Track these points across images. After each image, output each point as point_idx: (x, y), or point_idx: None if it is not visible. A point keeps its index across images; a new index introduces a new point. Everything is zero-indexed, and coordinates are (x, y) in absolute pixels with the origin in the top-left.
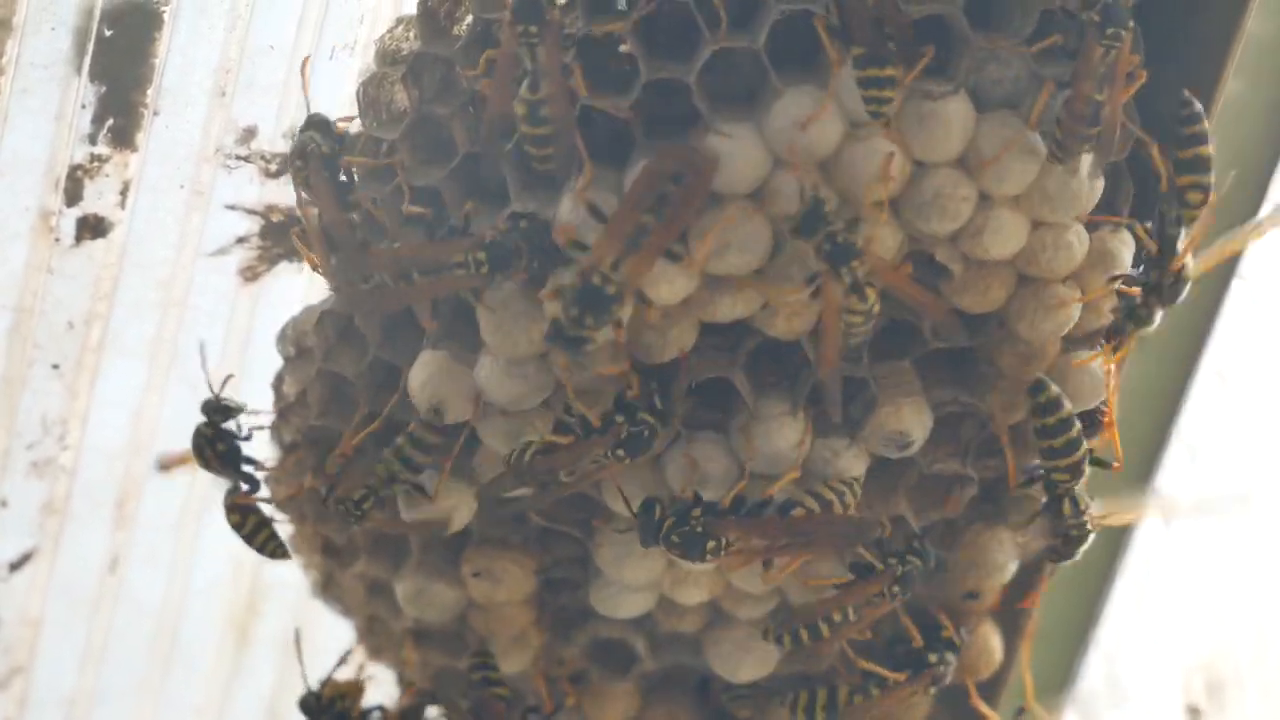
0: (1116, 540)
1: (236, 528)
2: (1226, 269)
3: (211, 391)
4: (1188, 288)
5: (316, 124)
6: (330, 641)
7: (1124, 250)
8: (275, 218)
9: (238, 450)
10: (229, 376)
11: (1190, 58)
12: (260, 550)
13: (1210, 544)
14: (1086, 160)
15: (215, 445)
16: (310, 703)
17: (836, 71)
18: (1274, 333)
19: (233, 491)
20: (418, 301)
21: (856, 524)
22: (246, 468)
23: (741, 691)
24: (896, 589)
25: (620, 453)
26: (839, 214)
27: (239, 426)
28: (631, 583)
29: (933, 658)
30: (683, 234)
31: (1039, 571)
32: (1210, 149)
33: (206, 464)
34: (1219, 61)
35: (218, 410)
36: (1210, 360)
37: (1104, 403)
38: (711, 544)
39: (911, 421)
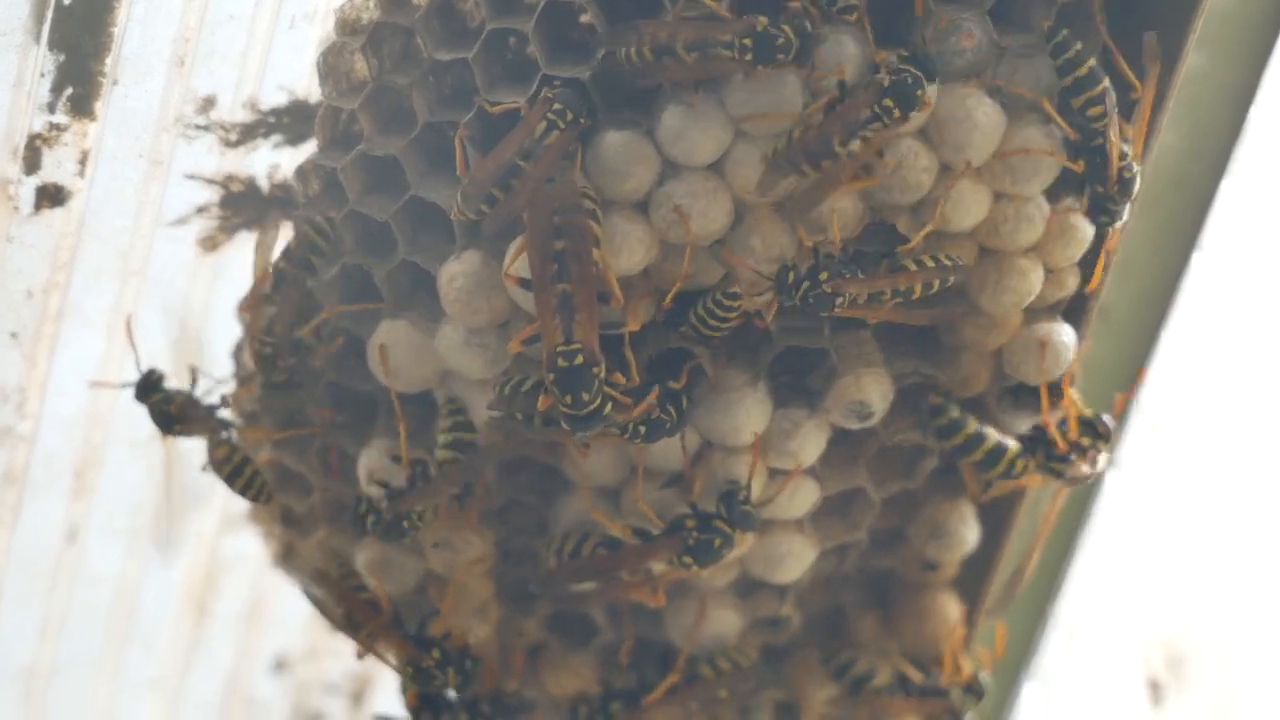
0: (1077, 515)
1: (222, 463)
2: (1186, 241)
3: (139, 369)
4: (1137, 171)
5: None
6: (288, 614)
7: (1085, 222)
8: (235, 188)
9: (191, 400)
10: (129, 317)
11: (1152, 29)
12: (244, 492)
13: (1170, 519)
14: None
15: (167, 409)
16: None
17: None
18: (1233, 303)
19: (215, 438)
20: (539, 184)
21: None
22: (214, 413)
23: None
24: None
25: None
26: (803, 261)
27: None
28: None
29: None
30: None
31: None
32: (1086, 68)
33: (175, 430)
34: (1180, 34)
35: (147, 388)
36: (1171, 334)
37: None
38: (839, 300)
39: (872, 392)
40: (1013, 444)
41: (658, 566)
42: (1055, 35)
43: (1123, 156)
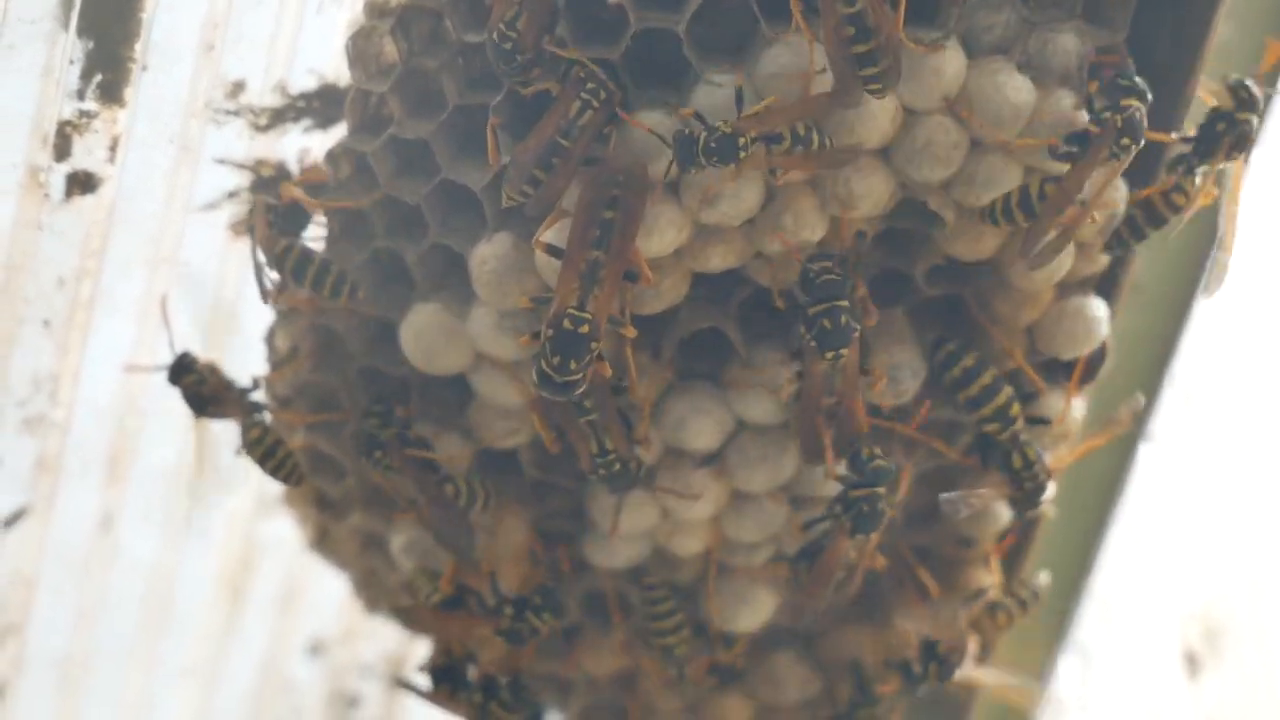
0: (1110, 489)
1: (255, 445)
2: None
3: (172, 352)
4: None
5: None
6: (325, 597)
7: (1116, 195)
8: (265, 172)
9: (224, 382)
10: (163, 298)
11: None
12: (276, 474)
13: (1205, 492)
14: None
15: (201, 390)
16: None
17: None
18: (1266, 274)
19: (248, 420)
20: (579, 162)
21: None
22: (246, 395)
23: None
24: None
25: None
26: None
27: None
28: (626, 532)
29: None
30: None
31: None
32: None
33: (208, 412)
34: (1210, 3)
35: (180, 370)
36: (1203, 305)
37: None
38: (742, 140)
39: (904, 367)
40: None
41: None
42: (940, 348)
43: (1028, 466)
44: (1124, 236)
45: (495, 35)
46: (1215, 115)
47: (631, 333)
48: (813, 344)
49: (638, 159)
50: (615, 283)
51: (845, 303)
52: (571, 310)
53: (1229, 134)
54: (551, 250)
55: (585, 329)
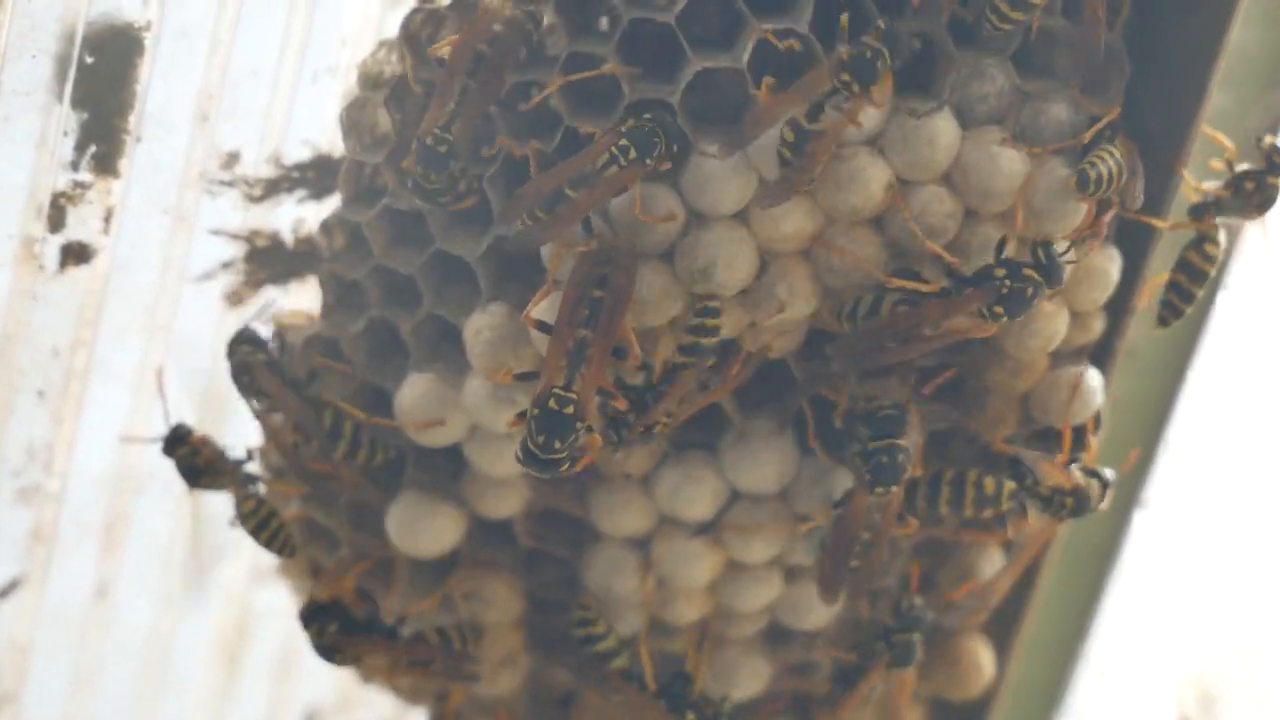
0: (1105, 555)
1: (248, 516)
2: (1212, 280)
3: (167, 423)
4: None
5: (246, 339)
6: (321, 666)
7: (1111, 266)
8: (260, 242)
9: (218, 454)
10: (159, 369)
11: (1175, 69)
12: (269, 546)
13: (1200, 557)
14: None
15: (195, 461)
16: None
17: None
18: (1260, 341)
19: (242, 491)
20: (584, 215)
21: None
22: (241, 467)
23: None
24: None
25: None
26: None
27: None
28: (621, 600)
29: None
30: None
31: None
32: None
33: (202, 483)
34: (1204, 73)
35: (174, 442)
36: (1198, 372)
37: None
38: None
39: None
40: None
41: (962, 323)
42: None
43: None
44: (1176, 304)
45: (429, 139)
46: (1246, 174)
47: (622, 404)
48: (868, 477)
49: (628, 238)
50: (603, 361)
51: (904, 443)
52: (557, 391)
53: (1258, 193)
54: (541, 326)
55: (570, 410)
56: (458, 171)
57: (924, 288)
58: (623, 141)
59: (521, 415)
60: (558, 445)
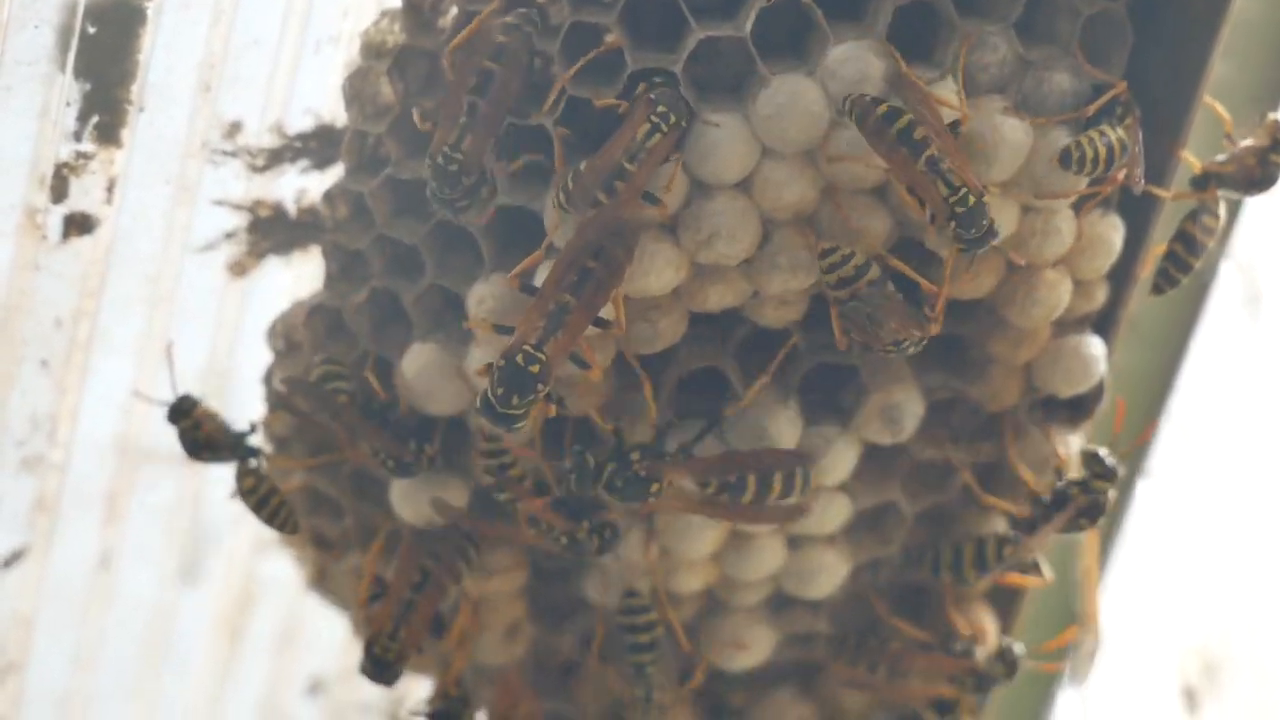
0: (1108, 525)
1: (249, 493)
2: (1214, 249)
3: (174, 393)
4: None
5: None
6: (324, 636)
7: (1114, 235)
8: (262, 212)
9: (221, 427)
10: (169, 343)
11: (1178, 39)
12: (270, 521)
13: (1202, 527)
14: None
15: (197, 434)
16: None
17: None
18: (1262, 309)
19: (242, 468)
20: (643, 187)
21: (786, 456)
22: (243, 440)
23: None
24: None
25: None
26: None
27: (209, 415)
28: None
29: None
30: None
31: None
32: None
33: (202, 456)
34: (1207, 42)
35: (179, 413)
36: (1200, 341)
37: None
38: (655, 486)
39: (903, 407)
40: None
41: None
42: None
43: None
44: (1172, 274)
45: (440, 158)
46: (1250, 149)
47: (597, 375)
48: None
49: (636, 217)
50: (579, 330)
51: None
52: (527, 348)
53: (1260, 169)
54: (525, 287)
55: (535, 369)
56: (472, 185)
57: (923, 283)
58: (660, 108)
59: (490, 366)
60: (515, 401)
